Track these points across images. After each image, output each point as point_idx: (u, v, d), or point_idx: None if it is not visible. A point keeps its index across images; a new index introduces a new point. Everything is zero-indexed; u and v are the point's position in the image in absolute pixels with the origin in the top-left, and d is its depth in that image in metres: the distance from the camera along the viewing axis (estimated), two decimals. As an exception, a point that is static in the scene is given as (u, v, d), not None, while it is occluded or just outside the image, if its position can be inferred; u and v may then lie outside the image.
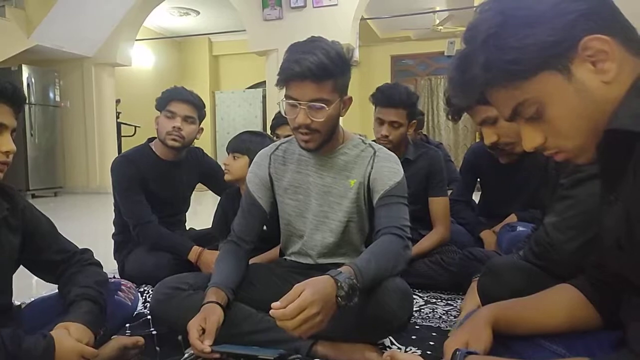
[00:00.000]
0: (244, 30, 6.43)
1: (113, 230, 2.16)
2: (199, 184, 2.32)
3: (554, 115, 0.68)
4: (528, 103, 0.68)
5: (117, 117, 7.38)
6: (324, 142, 1.35)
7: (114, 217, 2.14)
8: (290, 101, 1.28)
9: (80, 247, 1.29)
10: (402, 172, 1.39)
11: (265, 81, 6.97)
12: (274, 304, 1.00)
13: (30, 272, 1.25)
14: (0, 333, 0.93)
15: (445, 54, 8.90)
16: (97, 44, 6.70)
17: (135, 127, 7.81)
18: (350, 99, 1.36)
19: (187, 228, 2.34)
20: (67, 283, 1.21)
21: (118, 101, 7.37)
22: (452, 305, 1.72)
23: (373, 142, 1.46)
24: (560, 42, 0.64)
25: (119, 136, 7.46)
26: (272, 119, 2.39)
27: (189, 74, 9.68)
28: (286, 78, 1.27)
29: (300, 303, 0.99)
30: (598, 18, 0.64)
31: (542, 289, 0.90)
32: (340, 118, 1.38)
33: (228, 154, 1.96)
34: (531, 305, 0.87)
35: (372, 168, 1.38)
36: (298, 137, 1.34)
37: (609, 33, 0.63)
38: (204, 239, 2.21)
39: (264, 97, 8.71)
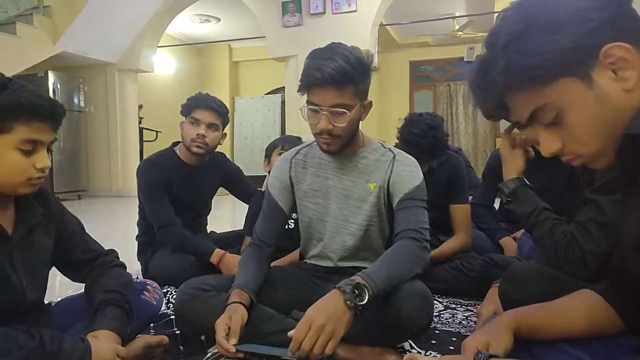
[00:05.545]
0: (264, 37, 6.52)
1: (136, 232, 2.21)
2: (220, 188, 2.36)
3: (573, 122, 0.68)
4: (547, 108, 0.69)
5: (139, 123, 7.53)
6: (345, 145, 1.37)
7: (137, 219, 2.20)
8: (312, 107, 1.31)
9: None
10: (422, 176, 1.40)
11: (284, 87, 7.05)
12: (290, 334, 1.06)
13: (58, 270, 1.29)
14: (41, 333, 0.98)
15: (465, 59, 8.86)
16: (121, 51, 6.85)
17: (157, 132, 7.95)
18: (371, 103, 1.39)
19: (208, 231, 2.39)
20: (91, 286, 1.25)
21: (140, 107, 7.52)
22: (471, 311, 1.71)
23: (393, 147, 1.48)
24: (581, 48, 0.65)
25: (141, 141, 7.61)
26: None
27: (209, 80, 9.82)
28: (308, 84, 1.30)
29: (304, 322, 1.06)
30: (619, 26, 0.65)
31: (563, 293, 0.90)
32: (360, 122, 1.40)
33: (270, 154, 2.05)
34: (553, 311, 0.87)
35: (391, 172, 1.40)
36: (319, 141, 1.37)
37: (630, 41, 0.64)
38: (225, 242, 2.25)
39: (283, 102, 8.78)
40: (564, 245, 0.99)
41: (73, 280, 1.32)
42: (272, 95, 9.46)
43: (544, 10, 0.67)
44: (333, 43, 1.33)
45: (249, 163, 8.43)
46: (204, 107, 2.04)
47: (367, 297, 1.10)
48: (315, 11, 6.03)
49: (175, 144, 2.20)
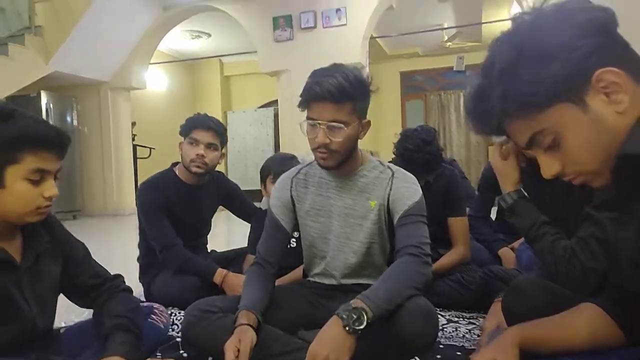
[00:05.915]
0: (254, 52, 6.58)
1: (135, 252, 2.22)
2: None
3: (571, 145, 0.72)
4: (545, 133, 0.72)
5: (133, 139, 7.53)
6: (342, 161, 1.40)
7: (138, 240, 2.20)
8: (310, 121, 1.35)
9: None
10: (420, 192, 1.43)
11: (276, 100, 7.10)
12: None
13: (65, 295, 1.29)
14: None
15: (455, 69, 8.99)
16: (113, 69, 6.87)
17: (151, 148, 7.95)
18: (369, 122, 1.42)
19: (209, 250, 2.40)
20: (100, 311, 1.26)
21: (133, 124, 7.52)
22: (474, 324, 1.73)
23: (391, 164, 1.51)
24: (573, 75, 0.68)
25: (135, 158, 7.60)
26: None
27: (201, 95, 9.87)
28: (307, 99, 1.34)
29: (308, 357, 1.10)
30: (609, 52, 0.68)
31: (565, 307, 0.93)
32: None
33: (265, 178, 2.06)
34: (555, 325, 0.90)
35: (390, 189, 1.43)
36: (317, 156, 1.40)
37: (620, 66, 0.67)
38: (226, 260, 2.26)
39: (275, 115, 8.83)
40: (565, 260, 1.01)
41: (80, 306, 1.33)
42: (264, 108, 9.51)
43: (535, 39, 0.70)
44: (335, 63, 1.38)
45: (243, 177, 8.43)
46: (203, 127, 2.06)
47: (365, 320, 1.12)
48: (306, 25, 6.10)
49: (175, 164, 2.22)
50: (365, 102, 1.37)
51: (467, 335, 1.62)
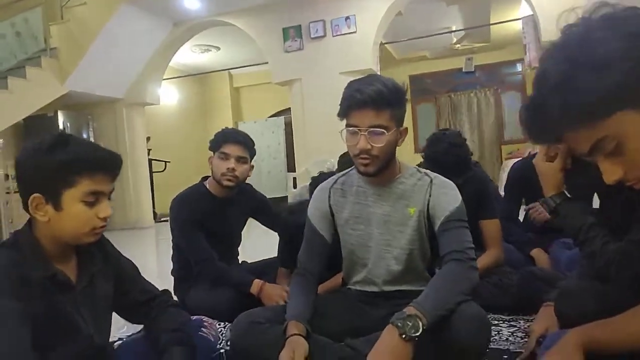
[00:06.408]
0: (265, 63, 6.64)
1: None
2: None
3: (634, 150, 0.73)
4: (607, 140, 0.73)
5: (148, 154, 7.61)
6: (382, 167, 1.41)
7: (172, 254, 2.23)
8: (351, 128, 1.37)
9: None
10: (460, 197, 1.45)
11: (287, 109, 7.13)
12: None
13: (116, 312, 1.32)
14: None
15: (463, 70, 8.99)
16: (127, 86, 6.97)
17: (166, 162, 8.04)
18: (406, 130, 1.44)
19: (240, 262, 2.42)
20: (152, 327, 1.28)
21: (148, 138, 7.61)
22: (515, 326, 1.73)
23: (429, 171, 1.52)
24: (631, 82, 0.69)
25: (151, 172, 7.68)
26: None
27: (212, 107, 9.97)
28: (348, 106, 1.36)
29: None
30: None
31: (619, 309, 0.93)
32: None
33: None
34: (618, 326, 0.90)
35: (430, 195, 1.44)
36: (358, 163, 1.41)
37: None
38: (257, 271, 2.27)
39: (286, 124, 8.88)
40: (616, 263, 1.01)
41: (131, 322, 1.35)
42: (275, 118, 9.57)
43: (586, 50, 0.71)
44: (371, 74, 1.43)
45: (256, 185, 8.28)
46: (232, 141, 2.09)
47: (421, 326, 1.13)
48: (315, 35, 6.15)
49: (204, 178, 2.25)
50: (402, 110, 1.39)
51: (510, 338, 1.62)
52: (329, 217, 1.54)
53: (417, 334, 1.11)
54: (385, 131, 1.34)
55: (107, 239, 1.29)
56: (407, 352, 1.11)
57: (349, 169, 1.60)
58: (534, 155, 2.23)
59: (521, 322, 1.76)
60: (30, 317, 0.99)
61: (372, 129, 1.34)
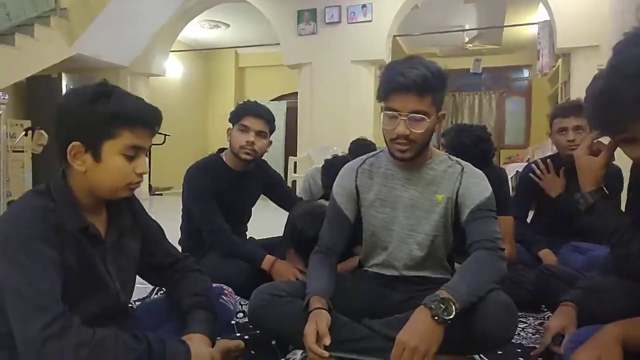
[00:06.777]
0: (273, 44, 6.57)
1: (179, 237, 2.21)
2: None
3: None
4: None
5: (148, 126, 7.52)
6: (418, 153, 1.40)
7: (181, 223, 2.21)
8: (391, 112, 1.34)
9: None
10: (490, 188, 1.44)
11: (289, 93, 7.05)
12: None
13: (137, 274, 1.31)
14: (146, 335, 1.00)
15: (471, 71, 8.99)
16: (133, 55, 6.85)
17: (165, 135, 7.95)
18: (444, 115, 1.43)
19: (247, 237, 2.40)
20: (175, 289, 1.28)
21: (150, 110, 7.52)
22: (526, 322, 1.75)
23: (460, 159, 1.51)
24: None
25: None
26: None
27: (215, 85, 9.87)
28: (390, 89, 1.33)
29: (397, 349, 1.10)
30: None
31: None
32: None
33: None
34: None
35: (460, 183, 1.44)
36: (394, 148, 1.39)
37: None
38: (266, 248, 2.26)
39: (288, 109, 8.85)
40: None
41: (152, 284, 1.34)
42: (277, 101, 9.51)
43: None
44: (411, 56, 1.38)
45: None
46: (254, 114, 2.07)
47: (454, 310, 1.12)
48: (330, 20, 6.09)
49: (221, 150, 2.22)
50: (443, 94, 1.38)
51: (522, 333, 1.64)
52: (354, 197, 1.53)
53: (450, 317, 1.11)
54: (426, 117, 1.33)
55: (136, 197, 1.27)
56: (439, 334, 1.11)
57: (378, 150, 1.59)
58: (534, 161, 2.24)
59: (530, 319, 1.78)
60: (62, 267, 0.98)
61: (412, 115, 1.32)
